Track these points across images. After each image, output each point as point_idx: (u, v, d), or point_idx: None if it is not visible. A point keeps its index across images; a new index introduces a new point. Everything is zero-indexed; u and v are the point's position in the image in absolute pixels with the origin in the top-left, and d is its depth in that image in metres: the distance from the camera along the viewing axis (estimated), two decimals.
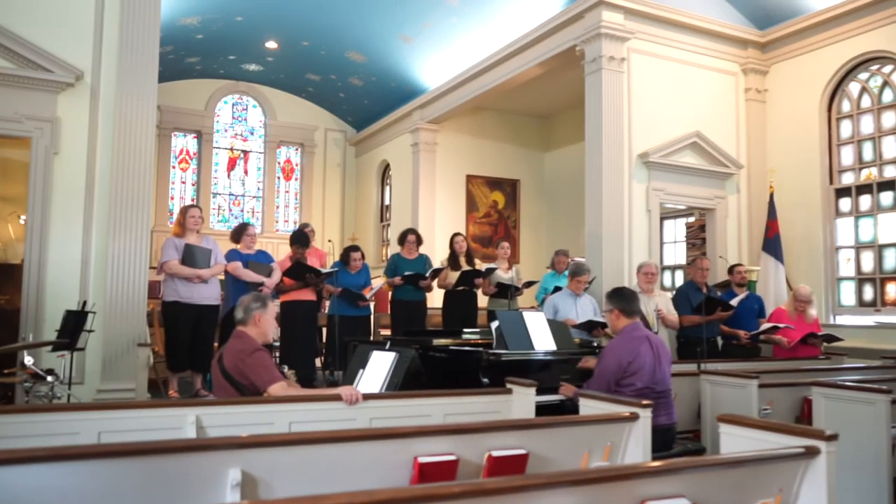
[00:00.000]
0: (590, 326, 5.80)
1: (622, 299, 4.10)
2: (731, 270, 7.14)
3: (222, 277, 6.53)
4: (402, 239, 7.53)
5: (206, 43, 11.47)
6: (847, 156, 8.14)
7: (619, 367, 3.91)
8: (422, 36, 10.33)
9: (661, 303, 6.15)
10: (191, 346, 6.12)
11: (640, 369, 3.89)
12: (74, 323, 5.12)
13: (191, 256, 6.07)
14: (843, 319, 7.94)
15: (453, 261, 7.52)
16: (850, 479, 3.62)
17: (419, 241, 7.56)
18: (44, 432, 2.72)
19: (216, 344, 6.42)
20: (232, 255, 6.51)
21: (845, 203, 8.07)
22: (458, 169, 12.32)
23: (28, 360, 4.44)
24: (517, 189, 12.88)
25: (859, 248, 7.91)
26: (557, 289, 6.80)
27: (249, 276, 6.36)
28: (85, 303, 5.42)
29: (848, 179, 8.10)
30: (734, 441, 2.49)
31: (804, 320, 6.59)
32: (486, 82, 10.02)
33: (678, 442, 4.33)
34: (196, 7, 10.07)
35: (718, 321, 6.63)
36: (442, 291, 7.62)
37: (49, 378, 4.44)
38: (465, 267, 7.41)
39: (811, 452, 2.25)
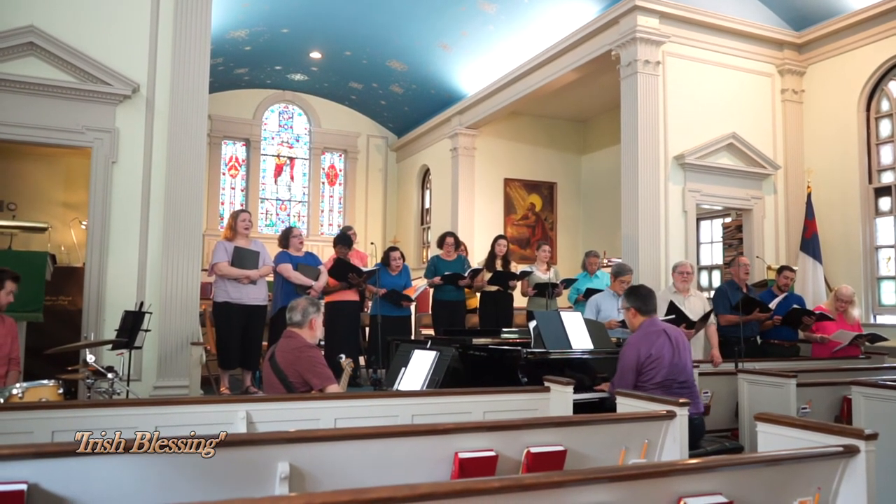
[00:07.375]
0: None
1: (638, 298, 4.13)
2: (780, 272, 7.08)
3: (270, 279, 6.75)
4: (441, 241, 7.69)
5: (254, 54, 11.78)
6: (886, 155, 8.04)
7: (638, 360, 3.95)
8: (460, 44, 10.47)
9: (697, 302, 6.11)
10: (240, 345, 6.30)
11: (658, 361, 3.92)
12: (132, 323, 5.32)
13: (240, 258, 6.25)
14: (883, 319, 7.85)
15: (490, 262, 7.64)
16: (891, 478, 3.55)
17: (458, 243, 7.71)
18: (105, 426, 2.83)
19: (265, 343, 6.64)
20: (282, 258, 6.70)
21: (885, 202, 7.97)
22: (496, 172, 12.42)
23: (90, 357, 4.56)
24: (554, 192, 12.93)
25: None
26: (590, 290, 6.81)
27: (298, 278, 6.56)
28: (142, 303, 5.64)
29: (888, 178, 8.00)
30: (772, 440, 2.46)
31: (846, 321, 6.52)
32: (523, 88, 10.10)
33: (715, 440, 4.37)
34: (244, 21, 10.38)
35: (756, 321, 6.58)
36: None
37: (109, 375, 4.55)
38: (501, 269, 7.50)
39: (850, 451, 2.22)
